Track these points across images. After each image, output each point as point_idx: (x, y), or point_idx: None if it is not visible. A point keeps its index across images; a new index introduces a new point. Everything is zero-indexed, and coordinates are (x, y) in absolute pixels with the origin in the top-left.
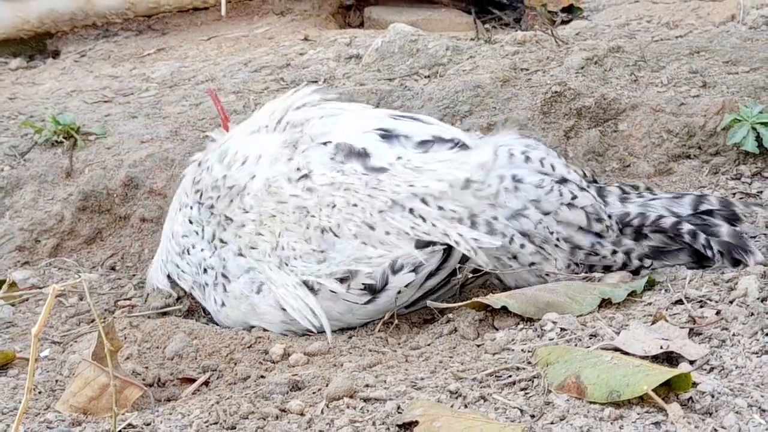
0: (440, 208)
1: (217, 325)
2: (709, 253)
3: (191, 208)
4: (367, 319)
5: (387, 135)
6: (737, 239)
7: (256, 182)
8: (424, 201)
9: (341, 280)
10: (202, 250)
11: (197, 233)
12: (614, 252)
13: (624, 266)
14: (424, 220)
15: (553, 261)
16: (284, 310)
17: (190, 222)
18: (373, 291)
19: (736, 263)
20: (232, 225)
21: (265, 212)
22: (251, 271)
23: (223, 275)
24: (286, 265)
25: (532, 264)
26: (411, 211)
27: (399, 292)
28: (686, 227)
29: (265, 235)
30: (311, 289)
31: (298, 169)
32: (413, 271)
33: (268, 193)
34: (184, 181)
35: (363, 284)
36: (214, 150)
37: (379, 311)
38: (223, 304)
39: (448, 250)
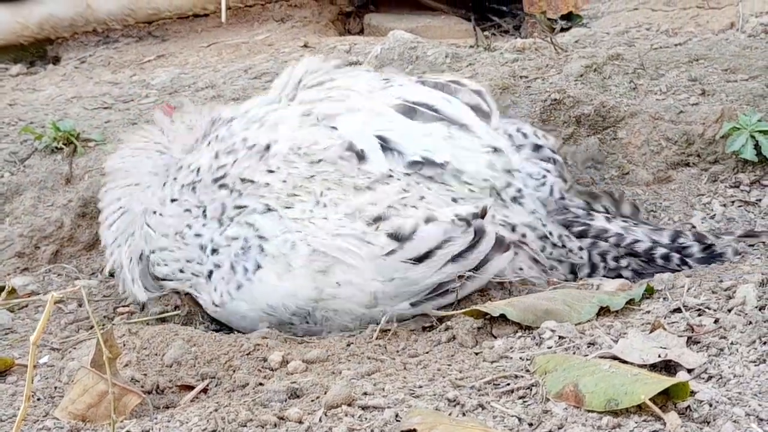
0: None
1: (219, 323)
2: (686, 269)
3: (182, 188)
4: (384, 278)
5: (384, 146)
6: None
7: (281, 145)
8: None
9: (374, 219)
10: (204, 225)
11: (193, 213)
12: (581, 248)
13: (593, 268)
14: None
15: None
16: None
17: (173, 200)
18: (399, 239)
19: None
20: (251, 186)
21: (298, 174)
22: (284, 230)
23: (259, 236)
24: (330, 217)
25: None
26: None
27: (417, 259)
28: (659, 252)
29: (301, 195)
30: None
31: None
32: (445, 239)
33: (298, 156)
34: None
35: (391, 229)
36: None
37: (396, 270)
38: (258, 267)
39: (480, 236)
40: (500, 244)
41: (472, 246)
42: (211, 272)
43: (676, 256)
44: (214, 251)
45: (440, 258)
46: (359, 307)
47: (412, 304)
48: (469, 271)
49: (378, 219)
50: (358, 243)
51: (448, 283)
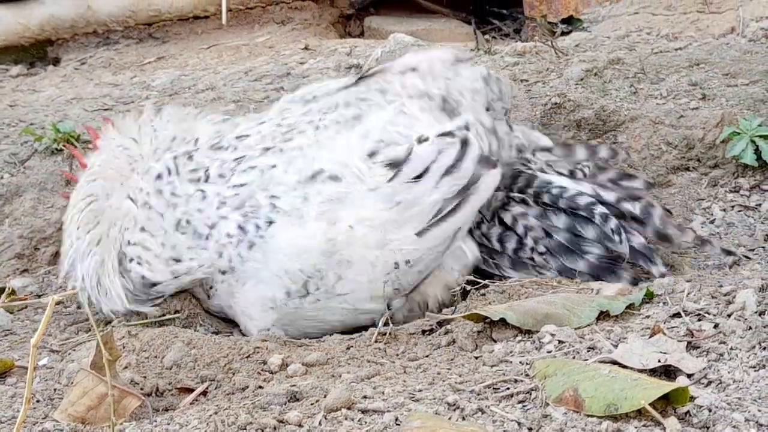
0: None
1: (219, 324)
2: (616, 238)
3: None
4: (389, 204)
5: None
6: (646, 249)
7: (276, 103)
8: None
9: (370, 155)
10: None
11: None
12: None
13: (524, 235)
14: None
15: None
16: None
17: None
18: (396, 165)
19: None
20: (246, 140)
21: (292, 116)
22: (298, 185)
23: (272, 196)
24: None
25: None
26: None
27: (416, 177)
28: (599, 209)
29: (300, 127)
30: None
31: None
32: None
33: (293, 102)
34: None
35: (387, 158)
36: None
37: (398, 193)
38: (270, 222)
39: (466, 145)
40: (487, 161)
41: (460, 157)
42: (214, 224)
43: (613, 221)
44: (222, 203)
45: (436, 172)
46: (372, 249)
47: (418, 234)
48: (465, 189)
49: (373, 154)
50: (360, 181)
51: (449, 201)
